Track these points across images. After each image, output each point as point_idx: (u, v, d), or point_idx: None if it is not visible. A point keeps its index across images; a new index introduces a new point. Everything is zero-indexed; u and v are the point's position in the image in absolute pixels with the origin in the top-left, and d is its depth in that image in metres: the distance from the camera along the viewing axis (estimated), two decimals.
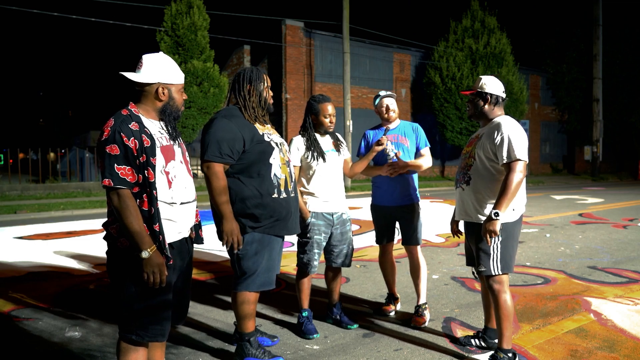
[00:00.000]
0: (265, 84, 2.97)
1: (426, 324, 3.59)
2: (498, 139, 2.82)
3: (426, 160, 3.76)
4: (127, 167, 2.09)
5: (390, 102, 3.80)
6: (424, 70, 22.98)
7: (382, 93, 3.83)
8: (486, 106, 3.00)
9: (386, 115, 3.79)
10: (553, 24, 29.65)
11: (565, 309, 3.89)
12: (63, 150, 20.28)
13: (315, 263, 3.45)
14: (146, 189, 2.12)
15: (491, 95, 2.99)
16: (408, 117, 23.23)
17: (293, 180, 3.01)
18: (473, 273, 3.12)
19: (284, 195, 2.91)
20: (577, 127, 29.48)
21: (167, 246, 2.17)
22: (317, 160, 3.40)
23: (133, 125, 2.13)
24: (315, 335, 3.37)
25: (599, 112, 25.30)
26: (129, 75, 2.24)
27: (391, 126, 3.83)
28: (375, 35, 20.81)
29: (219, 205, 2.75)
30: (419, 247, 3.76)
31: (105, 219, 2.25)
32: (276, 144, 2.94)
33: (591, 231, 7.77)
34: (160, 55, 2.28)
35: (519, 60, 23.74)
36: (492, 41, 21.61)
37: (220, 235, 2.82)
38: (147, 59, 2.24)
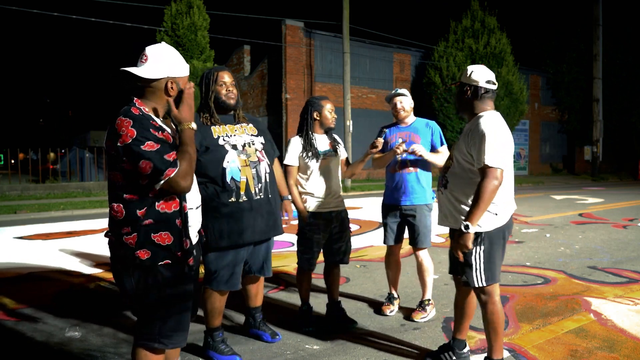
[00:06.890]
0: (219, 82, 2.91)
1: (426, 318, 3.64)
2: (476, 138, 2.48)
3: (442, 157, 3.65)
4: (172, 152, 1.97)
5: (399, 101, 3.73)
6: (424, 70, 22.97)
7: (393, 91, 3.78)
8: (467, 98, 2.65)
9: (395, 114, 3.77)
10: (553, 24, 29.64)
11: (565, 309, 3.89)
12: (63, 150, 20.29)
13: (315, 261, 3.50)
14: None
15: (470, 86, 2.62)
16: None
17: (263, 181, 2.91)
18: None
19: (244, 198, 2.84)
20: (577, 127, 29.46)
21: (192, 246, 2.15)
22: (315, 160, 3.42)
23: (153, 123, 2.01)
24: (310, 328, 3.43)
25: (599, 112, 25.30)
26: (135, 70, 2.02)
27: (404, 123, 3.79)
28: (375, 35, 20.83)
29: None
30: (425, 250, 3.74)
31: (109, 227, 2.10)
32: (233, 146, 2.84)
33: (591, 231, 7.77)
34: (165, 46, 2.10)
35: (519, 60, 23.72)
36: (492, 41, 21.60)
37: None
38: (152, 51, 2.05)
